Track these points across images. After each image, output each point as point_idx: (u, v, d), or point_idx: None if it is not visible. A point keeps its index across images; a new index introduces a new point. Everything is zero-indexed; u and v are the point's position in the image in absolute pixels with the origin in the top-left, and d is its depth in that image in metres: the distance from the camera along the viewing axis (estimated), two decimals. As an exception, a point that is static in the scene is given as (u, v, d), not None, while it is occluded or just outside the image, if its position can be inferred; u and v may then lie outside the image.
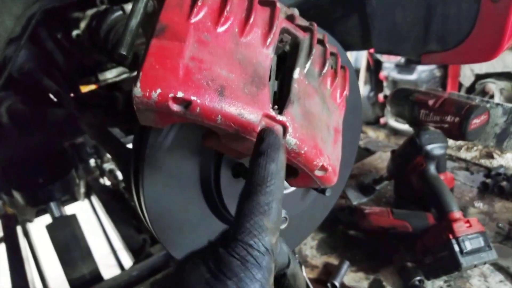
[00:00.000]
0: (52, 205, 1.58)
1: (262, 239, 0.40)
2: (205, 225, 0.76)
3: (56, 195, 1.35)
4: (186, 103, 0.44)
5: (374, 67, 5.00)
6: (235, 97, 0.46)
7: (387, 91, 4.89)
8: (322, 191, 0.80)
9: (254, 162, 0.43)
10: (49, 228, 1.57)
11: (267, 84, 0.50)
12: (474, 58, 1.08)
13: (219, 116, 0.46)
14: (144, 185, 0.65)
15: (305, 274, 1.37)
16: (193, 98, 0.44)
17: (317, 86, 0.57)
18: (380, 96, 4.59)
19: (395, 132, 4.37)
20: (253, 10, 0.51)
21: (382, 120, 4.65)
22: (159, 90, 0.43)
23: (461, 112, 1.30)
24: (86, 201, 1.95)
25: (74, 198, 1.97)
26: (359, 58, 4.93)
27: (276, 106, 0.51)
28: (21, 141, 1.19)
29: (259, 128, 0.48)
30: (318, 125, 0.55)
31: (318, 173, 0.55)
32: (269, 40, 0.51)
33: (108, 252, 1.89)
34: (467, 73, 3.57)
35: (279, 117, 0.49)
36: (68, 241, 1.58)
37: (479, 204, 1.55)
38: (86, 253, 1.58)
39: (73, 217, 1.62)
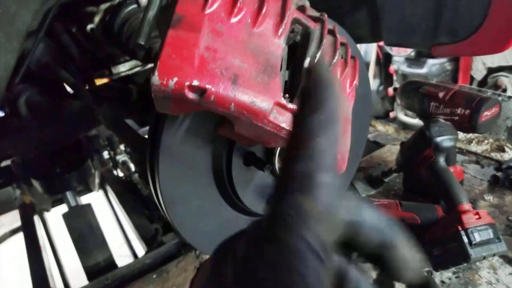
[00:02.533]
0: (68, 194, 1.62)
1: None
2: (217, 212, 0.79)
3: (73, 184, 1.39)
4: (201, 91, 0.47)
5: (384, 61, 4.96)
6: (248, 85, 0.48)
7: (396, 85, 4.85)
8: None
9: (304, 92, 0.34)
10: (66, 216, 1.61)
11: (279, 73, 0.52)
12: (485, 50, 1.08)
13: (233, 104, 0.48)
14: (160, 172, 0.67)
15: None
16: (208, 86, 0.46)
17: (327, 76, 0.58)
18: (390, 90, 4.56)
19: (405, 126, 4.34)
20: (266, 1, 0.53)
21: (391, 114, 4.63)
22: (175, 79, 0.46)
23: (472, 104, 1.30)
24: (101, 192, 1.99)
25: (88, 189, 2.02)
26: (369, 51, 4.89)
27: (287, 95, 0.53)
28: (39, 132, 1.22)
29: (271, 117, 0.50)
30: None
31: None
32: (280, 30, 0.53)
33: (122, 241, 1.93)
34: (479, 66, 3.54)
35: (290, 105, 0.51)
36: (84, 230, 1.62)
37: (489, 197, 1.55)
38: (101, 242, 1.63)
39: (88, 207, 1.66)
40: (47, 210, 1.72)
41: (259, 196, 0.80)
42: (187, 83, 0.46)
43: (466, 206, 1.19)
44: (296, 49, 0.58)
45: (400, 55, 4.12)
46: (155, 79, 0.45)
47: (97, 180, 1.76)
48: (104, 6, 1.30)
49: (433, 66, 3.87)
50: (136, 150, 0.92)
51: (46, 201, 1.50)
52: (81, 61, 1.35)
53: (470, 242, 1.13)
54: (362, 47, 4.53)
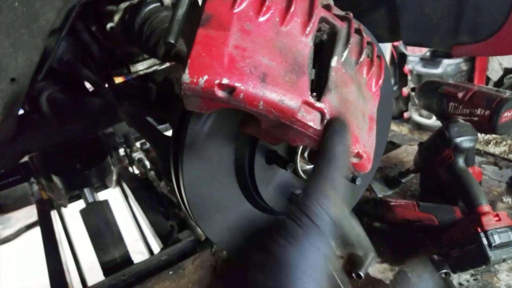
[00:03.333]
0: (86, 190, 1.65)
1: (328, 209, 0.41)
2: (238, 209, 0.80)
3: (92, 180, 1.41)
4: (231, 89, 0.47)
5: (398, 61, 4.91)
6: (276, 84, 0.49)
7: (411, 85, 4.80)
8: (353, 179, 0.82)
9: (326, 142, 0.47)
10: (83, 212, 1.64)
11: (307, 72, 0.52)
12: (507, 50, 1.07)
13: (261, 102, 0.48)
14: (184, 169, 0.68)
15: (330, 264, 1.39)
16: (237, 84, 0.47)
17: (353, 74, 0.58)
18: (404, 90, 4.52)
19: (419, 126, 4.30)
20: (294, 0, 0.53)
21: (405, 115, 4.59)
22: (206, 77, 0.46)
23: (492, 105, 1.28)
24: (117, 189, 2.01)
25: (105, 185, 2.04)
26: (383, 51, 4.84)
27: (314, 94, 0.53)
28: (60, 129, 1.24)
29: (298, 115, 0.50)
30: (354, 112, 0.56)
31: (353, 160, 0.57)
32: (308, 29, 0.53)
33: (138, 238, 1.95)
34: (495, 67, 3.49)
35: (318, 104, 0.51)
36: (101, 226, 1.65)
37: (507, 199, 1.53)
38: (118, 238, 1.65)
39: (105, 203, 1.68)
40: (65, 206, 1.75)
41: (280, 194, 0.81)
42: (216, 81, 0.46)
43: (486, 207, 1.18)
44: (323, 48, 0.58)
45: (415, 55, 4.08)
46: (186, 77, 0.46)
47: (114, 177, 1.78)
48: (124, 5, 1.31)
49: (448, 66, 3.82)
50: (157, 147, 0.93)
51: (64, 197, 1.52)
52: (100, 59, 1.37)
53: (489, 244, 1.11)
54: (376, 47, 4.49)
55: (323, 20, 0.57)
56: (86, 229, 1.62)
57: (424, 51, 3.93)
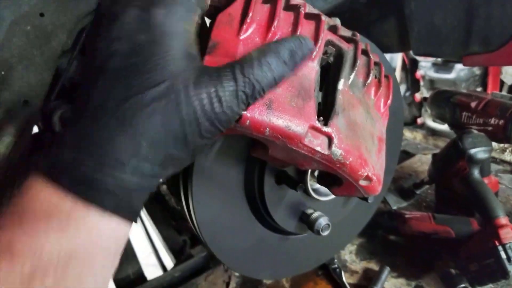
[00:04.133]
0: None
1: None
2: (248, 229, 0.79)
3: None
4: (237, 117, 0.47)
5: (410, 66, 4.86)
6: (282, 110, 0.48)
7: (424, 91, 4.76)
8: (365, 198, 0.81)
9: None
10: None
11: (313, 96, 0.51)
12: (519, 60, 1.05)
13: (268, 128, 0.48)
14: (193, 191, 0.68)
15: (345, 279, 1.37)
16: (243, 112, 0.46)
17: (361, 96, 0.58)
18: (417, 96, 4.47)
19: (433, 132, 4.23)
20: (299, 25, 0.53)
21: (419, 121, 4.53)
22: None
23: (506, 114, 1.26)
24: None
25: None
26: (394, 57, 4.82)
27: (321, 118, 0.53)
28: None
29: (305, 140, 0.49)
30: (362, 135, 0.55)
31: (363, 182, 0.56)
32: (314, 53, 0.53)
33: (150, 252, 1.95)
34: (509, 70, 3.42)
35: (325, 129, 0.51)
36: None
37: (526, 209, 1.49)
38: (130, 254, 1.65)
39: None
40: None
41: (291, 214, 0.80)
42: None
43: (503, 220, 1.15)
44: (329, 71, 0.58)
45: (426, 61, 4.03)
46: None
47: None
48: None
49: (461, 71, 3.77)
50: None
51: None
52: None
53: (508, 258, 1.09)
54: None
55: (329, 43, 0.56)
56: (100, 246, 1.63)
57: (437, 57, 3.88)
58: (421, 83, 4.89)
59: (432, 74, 4.64)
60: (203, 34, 0.52)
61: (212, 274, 1.46)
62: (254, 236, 0.80)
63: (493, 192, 1.21)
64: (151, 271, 1.73)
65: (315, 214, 0.77)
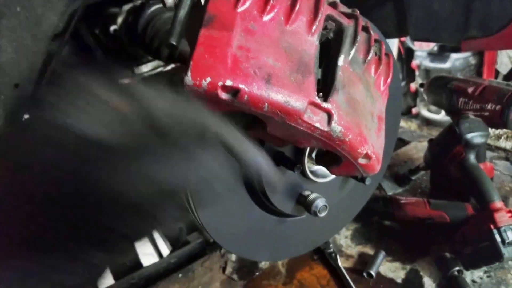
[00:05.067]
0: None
1: None
2: (246, 212, 0.78)
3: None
4: (235, 91, 0.46)
5: (406, 56, 4.85)
6: (281, 85, 0.47)
7: (419, 81, 4.75)
8: (362, 179, 0.80)
9: None
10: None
11: (313, 72, 0.50)
12: (518, 44, 1.04)
13: (266, 103, 0.47)
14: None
15: (340, 263, 1.38)
16: (241, 86, 0.45)
17: (361, 73, 0.57)
18: (412, 86, 4.47)
19: (428, 122, 4.25)
20: (299, -1, 0.51)
21: (414, 110, 4.54)
22: (208, 79, 0.45)
23: (503, 99, 1.25)
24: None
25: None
26: (390, 47, 4.79)
27: (321, 94, 0.52)
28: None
29: (305, 116, 0.48)
30: (362, 112, 0.55)
31: (362, 161, 0.56)
32: (314, 27, 0.52)
33: (146, 240, 1.95)
34: (504, 60, 3.43)
35: (325, 105, 0.50)
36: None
37: (520, 195, 1.50)
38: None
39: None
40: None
41: (288, 196, 0.79)
42: (220, 83, 0.45)
43: (498, 204, 1.15)
44: (329, 47, 0.57)
45: (422, 50, 4.03)
46: (188, 79, 0.45)
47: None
48: (127, 7, 1.31)
49: (456, 60, 3.77)
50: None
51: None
52: (104, 62, 1.37)
53: (503, 241, 1.09)
54: (383, 42, 4.45)
55: (329, 18, 0.55)
56: (95, 233, 1.62)
57: (432, 46, 3.88)
58: (417, 73, 4.89)
59: (428, 63, 4.63)
60: (200, 8, 0.51)
61: (208, 259, 1.46)
62: (251, 218, 0.79)
63: (488, 177, 1.21)
64: (148, 259, 1.72)
65: (312, 196, 0.76)
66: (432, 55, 4.16)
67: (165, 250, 1.76)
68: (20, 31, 0.90)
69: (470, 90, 1.35)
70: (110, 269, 1.61)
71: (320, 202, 0.75)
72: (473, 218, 1.21)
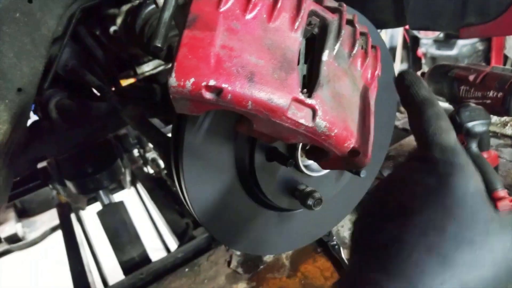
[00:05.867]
0: (102, 193, 1.68)
1: (449, 137, 0.45)
2: (241, 207, 0.80)
3: (104, 183, 1.44)
4: (218, 91, 0.47)
5: (411, 44, 4.80)
6: (264, 82, 0.48)
7: (425, 69, 4.68)
8: (357, 172, 0.81)
9: (406, 97, 0.50)
10: (100, 214, 1.68)
11: (296, 68, 0.51)
12: (517, 29, 1.03)
13: (250, 102, 0.47)
14: (184, 170, 0.68)
15: (344, 255, 1.39)
16: (224, 85, 0.46)
17: (347, 67, 0.57)
18: (418, 74, 4.42)
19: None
20: (281, -5, 0.52)
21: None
22: (192, 79, 0.46)
23: (505, 86, 1.24)
24: (133, 189, 2.05)
25: (121, 186, 2.08)
26: (395, 35, 4.75)
27: (305, 90, 0.52)
28: (69, 134, 1.27)
29: (289, 113, 0.49)
30: (348, 107, 0.55)
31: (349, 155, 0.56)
32: (297, 24, 0.52)
33: (155, 236, 1.98)
34: (512, 44, 3.36)
35: (309, 101, 0.50)
36: (118, 227, 1.68)
37: (526, 182, 1.49)
38: (135, 237, 1.68)
39: (121, 204, 1.72)
40: (83, 209, 1.79)
41: (284, 190, 0.80)
42: (203, 83, 0.46)
43: (502, 192, 1.13)
44: (314, 42, 0.57)
45: (428, 38, 3.97)
46: (173, 80, 0.46)
47: (128, 178, 1.81)
48: (125, 8, 1.32)
49: (463, 47, 3.71)
50: (161, 149, 0.94)
51: (81, 200, 1.56)
52: (106, 63, 1.38)
53: (506, 230, 1.09)
54: (388, 31, 4.41)
55: (313, 13, 0.55)
56: (104, 230, 1.66)
57: (438, 33, 3.83)
58: (423, 60, 4.83)
59: (434, 51, 4.57)
60: (185, 9, 0.52)
61: (214, 254, 1.49)
62: (247, 213, 0.80)
63: (491, 166, 1.20)
64: (156, 254, 1.76)
65: (307, 190, 0.77)
66: (438, 42, 4.11)
67: (173, 245, 1.79)
68: (20, 36, 0.92)
69: (471, 78, 1.34)
70: (120, 264, 1.64)
71: (315, 196, 0.76)
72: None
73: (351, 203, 0.98)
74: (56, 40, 1.07)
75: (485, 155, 1.37)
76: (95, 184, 1.39)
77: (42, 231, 3.82)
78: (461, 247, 0.39)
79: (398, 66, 4.97)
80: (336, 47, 0.55)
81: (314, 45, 0.58)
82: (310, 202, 0.76)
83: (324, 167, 0.65)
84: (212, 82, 0.46)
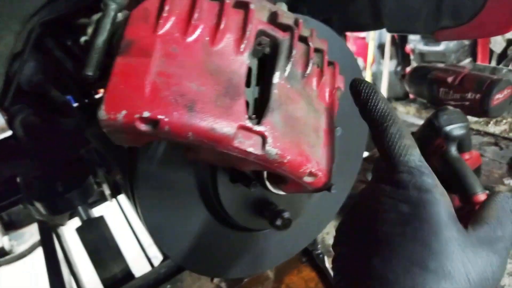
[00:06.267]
0: (80, 208, 1.63)
1: (413, 154, 0.46)
2: (207, 229, 0.76)
3: (75, 203, 1.40)
4: (154, 122, 0.43)
5: (400, 41, 4.80)
6: (206, 111, 0.44)
7: (414, 64, 4.70)
8: (328, 189, 0.77)
9: (364, 112, 0.49)
10: (79, 231, 1.63)
11: (243, 93, 0.47)
12: (490, 32, 1.01)
13: (190, 133, 0.44)
14: (140, 199, 0.65)
15: (328, 264, 1.36)
16: (160, 117, 0.42)
17: (301, 88, 0.53)
18: (408, 70, 4.43)
19: (426, 106, 4.20)
20: (224, 16, 0.48)
21: (411, 95, 4.49)
22: (124, 112, 0.42)
23: (482, 88, 1.22)
24: (114, 201, 2.00)
25: (104, 198, 2.03)
26: (383, 32, 4.77)
27: (254, 116, 0.49)
28: (37, 153, 1.23)
29: (235, 142, 0.46)
30: (303, 130, 0.52)
31: (307, 179, 0.53)
32: (243, 46, 0.49)
33: (137, 249, 1.94)
34: (498, 39, 3.37)
35: (257, 128, 0.47)
36: (98, 243, 1.63)
37: (509, 181, 1.47)
38: (116, 253, 1.63)
39: (101, 219, 1.67)
40: (62, 225, 1.75)
41: (252, 211, 0.77)
42: (137, 115, 0.42)
43: (482, 196, 1.12)
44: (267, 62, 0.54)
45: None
46: (102, 113, 0.42)
47: (107, 192, 1.76)
48: (96, 17, 1.27)
49: (450, 42, 3.72)
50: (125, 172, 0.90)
51: (57, 218, 1.52)
52: (78, 74, 1.34)
53: (488, 236, 1.06)
54: (375, 29, 4.40)
55: (262, 33, 0.51)
56: (84, 247, 1.61)
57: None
58: (411, 57, 4.84)
59: (422, 47, 4.58)
60: (118, 35, 0.48)
61: (195, 269, 1.45)
62: (214, 235, 0.77)
63: (471, 169, 1.17)
64: (140, 268, 1.71)
65: (276, 209, 0.74)
66: (426, 38, 4.11)
67: (156, 256, 1.75)
68: (-24, 54, 0.88)
69: (450, 79, 1.31)
70: (101, 281, 1.60)
71: (283, 216, 0.72)
72: (457, 211, 1.18)
73: (326, 216, 0.95)
74: (17, 55, 1.02)
75: (466, 156, 1.34)
76: (65, 204, 1.35)
77: (30, 243, 3.76)
78: (442, 281, 0.40)
79: (388, 62, 4.97)
80: (288, 68, 0.52)
81: (266, 66, 0.54)
82: (278, 222, 0.73)
83: (286, 191, 0.62)
84: (146, 114, 0.42)
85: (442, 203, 0.44)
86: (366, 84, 0.50)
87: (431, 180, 0.45)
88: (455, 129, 1.21)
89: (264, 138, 0.47)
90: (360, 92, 0.50)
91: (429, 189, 0.44)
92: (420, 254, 0.41)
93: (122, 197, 2.04)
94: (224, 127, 0.45)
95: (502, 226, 0.45)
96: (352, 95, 0.51)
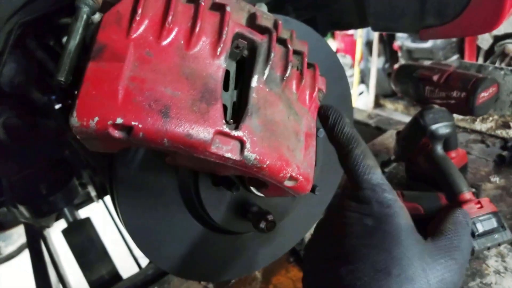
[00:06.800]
0: (66, 210, 1.61)
1: (375, 173, 0.50)
2: (191, 234, 0.75)
3: (60, 205, 1.38)
4: (128, 129, 0.42)
5: (388, 38, 4.82)
6: (181, 116, 0.43)
7: (402, 61, 4.73)
8: (312, 189, 0.77)
9: (332, 136, 0.54)
10: (65, 232, 1.61)
11: (219, 98, 0.46)
12: (474, 30, 1.01)
13: (166, 139, 0.43)
14: (120, 204, 0.64)
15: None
16: (133, 123, 0.41)
17: (280, 91, 0.53)
18: (396, 67, 4.45)
19: (414, 103, 4.23)
20: (199, 18, 0.47)
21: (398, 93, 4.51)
22: (96, 118, 0.41)
23: (468, 86, 1.22)
24: (101, 202, 1.98)
25: (90, 200, 2.01)
26: (371, 30, 4.79)
27: (231, 120, 0.48)
28: (20, 155, 1.21)
29: (212, 148, 0.45)
30: (283, 134, 0.51)
31: (288, 183, 0.52)
32: (219, 49, 0.48)
33: (125, 251, 1.93)
34: (485, 36, 3.40)
35: (235, 133, 0.46)
36: (85, 244, 1.62)
37: (495, 179, 1.48)
38: (103, 254, 1.62)
39: (87, 220, 1.65)
40: (48, 227, 1.72)
41: (234, 213, 0.76)
42: (109, 122, 0.41)
43: (467, 195, 1.13)
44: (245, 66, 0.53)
45: (402, 31, 3.99)
46: (74, 120, 0.41)
47: (93, 193, 1.75)
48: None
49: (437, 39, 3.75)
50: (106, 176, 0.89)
51: (43, 220, 1.50)
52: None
53: (472, 234, 1.08)
54: (362, 26, 4.41)
55: (239, 36, 0.51)
56: (70, 249, 1.60)
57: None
58: (399, 53, 4.86)
59: (409, 44, 4.61)
60: (91, 40, 0.47)
61: (183, 270, 1.44)
62: (197, 239, 0.76)
63: (456, 168, 1.18)
64: (127, 270, 1.70)
65: (259, 212, 0.73)
66: (413, 36, 4.14)
67: (144, 260, 1.73)
68: (-47, 55, 0.86)
69: (435, 78, 1.32)
70: (88, 283, 1.59)
71: (267, 219, 0.72)
72: (442, 211, 1.19)
73: (311, 218, 0.95)
74: (-2, 57, 1.00)
75: (453, 154, 1.35)
76: (49, 207, 1.33)
77: (19, 244, 3.71)
78: (404, 285, 0.43)
79: (376, 59, 4.99)
80: (266, 71, 0.51)
81: (244, 69, 0.53)
82: (262, 225, 0.72)
83: (267, 195, 0.61)
84: (119, 120, 0.41)
85: (402, 216, 0.48)
86: (333, 111, 0.55)
87: (391, 196, 0.49)
88: (441, 128, 1.22)
89: (242, 143, 0.47)
90: (327, 118, 0.55)
91: (390, 204, 0.48)
92: (384, 262, 0.44)
93: (108, 198, 2.02)
94: (201, 132, 0.44)
95: (459, 237, 0.50)
96: (320, 121, 0.56)
